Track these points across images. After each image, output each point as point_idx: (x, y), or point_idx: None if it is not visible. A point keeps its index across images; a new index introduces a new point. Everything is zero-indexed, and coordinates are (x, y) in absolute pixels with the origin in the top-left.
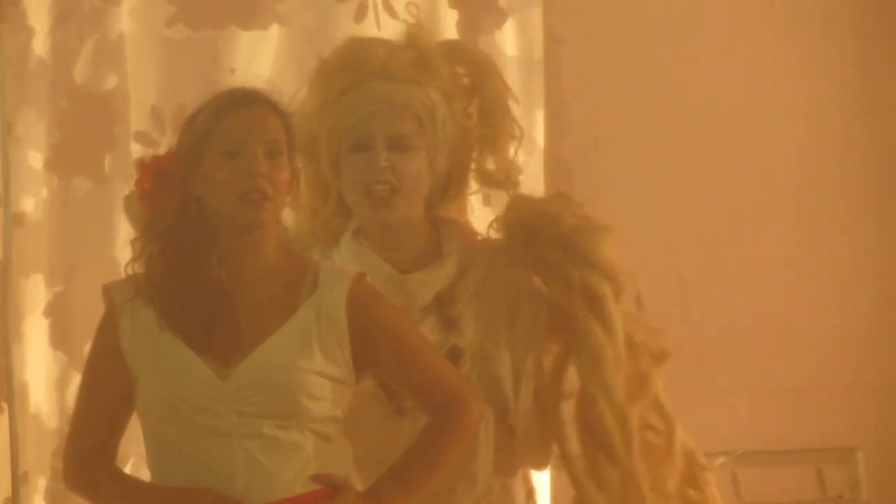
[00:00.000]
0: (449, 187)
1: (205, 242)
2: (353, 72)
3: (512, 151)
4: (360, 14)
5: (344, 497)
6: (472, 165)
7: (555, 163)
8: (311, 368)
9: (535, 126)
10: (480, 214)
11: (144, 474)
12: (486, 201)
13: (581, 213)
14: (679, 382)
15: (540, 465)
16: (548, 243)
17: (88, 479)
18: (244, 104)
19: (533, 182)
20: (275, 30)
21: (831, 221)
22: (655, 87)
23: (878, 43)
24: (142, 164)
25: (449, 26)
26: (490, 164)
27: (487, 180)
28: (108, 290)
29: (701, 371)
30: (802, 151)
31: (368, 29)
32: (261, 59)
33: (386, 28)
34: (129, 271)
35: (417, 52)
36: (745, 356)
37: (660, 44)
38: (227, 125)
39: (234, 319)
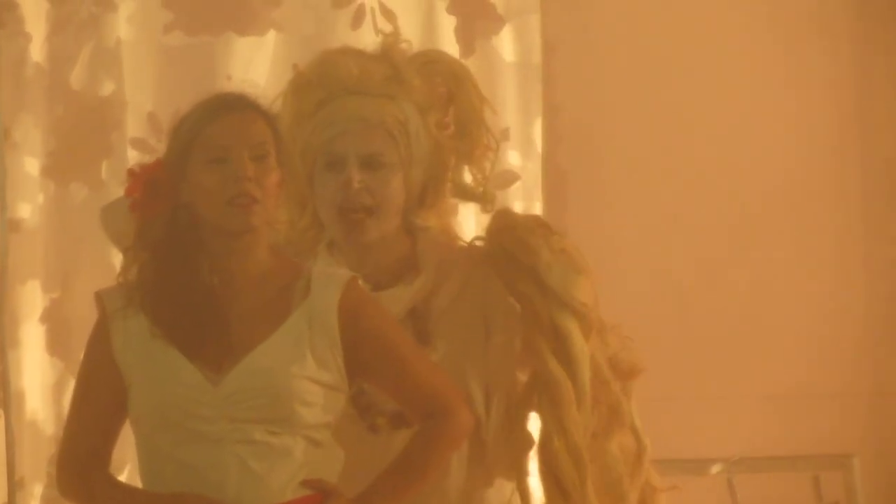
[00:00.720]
0: (425, 198)
1: (195, 249)
2: (326, 87)
3: (489, 164)
4: (356, 20)
5: (334, 503)
6: (449, 176)
7: (552, 168)
8: (304, 374)
9: (534, 131)
10: (478, 221)
11: (140, 482)
12: (484, 208)
13: (560, 247)
14: (675, 389)
15: (511, 478)
16: (523, 275)
17: (82, 486)
18: (229, 110)
19: (531, 188)
20: (272, 36)
21: (826, 229)
22: (651, 94)
23: (872, 49)
24: (132, 174)
25: (447, 32)
26: (467, 177)
27: (463, 194)
28: (99, 298)
29: (697, 378)
30: (798, 158)
31: (365, 35)
32: (257, 65)
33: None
34: (121, 280)
35: (390, 64)
36: (741, 363)
37: (655, 50)
38: (212, 131)
39: (226, 325)
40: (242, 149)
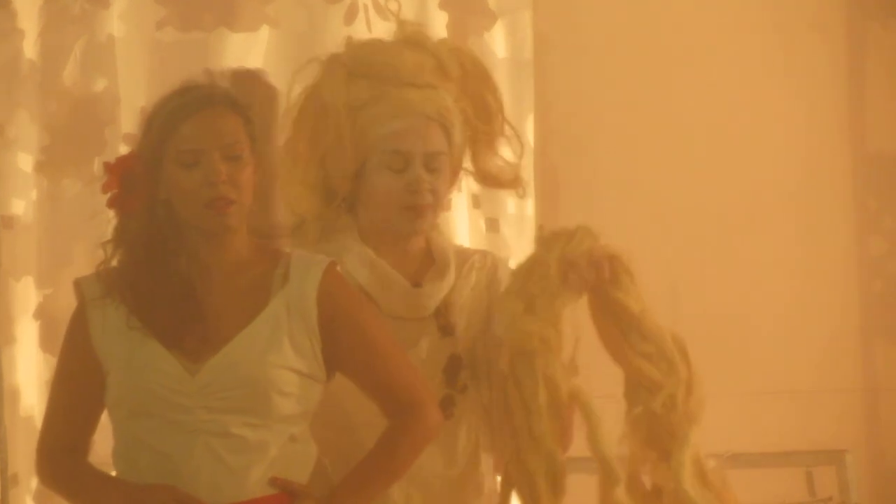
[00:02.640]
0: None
1: (173, 243)
2: (380, 77)
3: (511, 153)
4: (350, 16)
5: (303, 503)
6: (470, 166)
7: (544, 164)
8: (281, 363)
9: (526, 128)
10: (471, 217)
11: (114, 468)
12: (476, 203)
13: (531, 289)
14: None
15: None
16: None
17: (60, 474)
18: (199, 107)
19: (523, 184)
20: (265, 31)
21: (819, 224)
22: (643, 90)
23: (864, 46)
24: (108, 168)
25: (439, 28)
26: (490, 165)
27: (492, 181)
28: (78, 286)
29: None
30: (789, 154)
31: (359, 31)
32: (251, 61)
33: (377, 30)
34: (100, 270)
35: (431, 53)
36: (734, 359)
37: (646, 46)
38: (184, 132)
39: (204, 315)
40: (214, 150)
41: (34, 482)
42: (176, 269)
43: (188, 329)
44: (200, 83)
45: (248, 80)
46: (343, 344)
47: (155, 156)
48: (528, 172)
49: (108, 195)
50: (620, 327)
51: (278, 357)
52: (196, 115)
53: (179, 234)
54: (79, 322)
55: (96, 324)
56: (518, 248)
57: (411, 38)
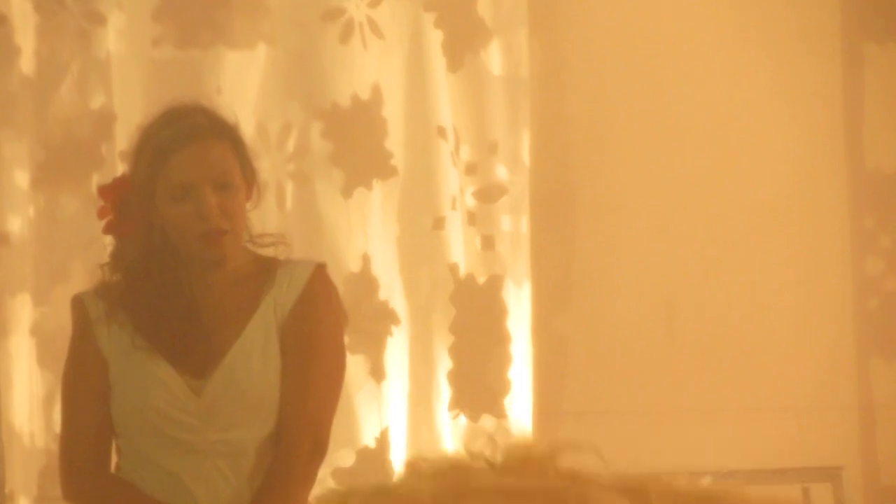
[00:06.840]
0: None
1: (171, 264)
2: None
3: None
4: (345, 34)
5: None
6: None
7: (540, 182)
8: (277, 368)
9: (521, 145)
10: (465, 234)
11: None
12: (471, 221)
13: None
14: (664, 402)
15: None
16: None
17: (89, 489)
18: (189, 140)
19: (519, 201)
20: (261, 49)
21: (815, 241)
22: (639, 107)
23: (860, 62)
24: (102, 192)
25: (434, 46)
26: None
27: None
28: (80, 301)
29: (688, 390)
30: (786, 172)
31: (354, 49)
32: (247, 78)
33: (372, 48)
34: (99, 288)
35: None
36: (731, 376)
37: (643, 64)
38: (172, 168)
39: (207, 331)
40: (204, 184)
41: (28, 500)
42: (176, 289)
43: (193, 346)
44: (186, 110)
45: None
46: (294, 344)
47: (147, 187)
48: (523, 190)
49: (104, 221)
50: None
51: (273, 363)
52: (184, 150)
53: (176, 256)
54: (85, 334)
55: (103, 338)
56: (513, 265)
57: None
